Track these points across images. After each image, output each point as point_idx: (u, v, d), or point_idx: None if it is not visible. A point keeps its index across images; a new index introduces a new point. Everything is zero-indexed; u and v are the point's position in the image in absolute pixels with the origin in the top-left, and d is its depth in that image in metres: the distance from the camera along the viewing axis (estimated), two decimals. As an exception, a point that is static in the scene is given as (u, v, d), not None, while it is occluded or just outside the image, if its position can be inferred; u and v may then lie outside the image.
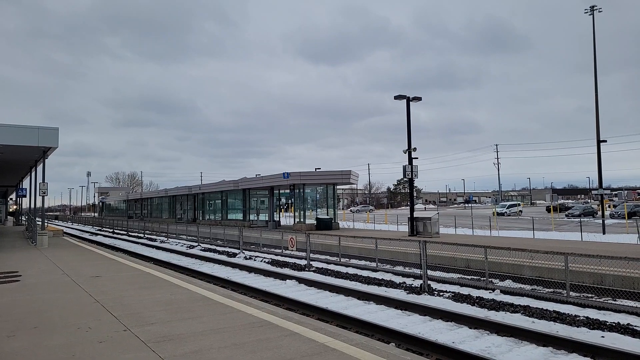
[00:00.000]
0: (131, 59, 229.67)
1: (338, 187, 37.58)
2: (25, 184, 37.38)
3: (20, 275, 11.05)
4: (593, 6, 28.94)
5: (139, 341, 5.45)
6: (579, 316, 8.70)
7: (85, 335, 5.77)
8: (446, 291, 11.36)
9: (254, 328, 6.01)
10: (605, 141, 28.37)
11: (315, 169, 34.33)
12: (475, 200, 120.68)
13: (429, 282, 11.80)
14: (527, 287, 11.83)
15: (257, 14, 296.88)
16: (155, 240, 32.18)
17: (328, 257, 18.40)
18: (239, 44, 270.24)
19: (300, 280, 13.32)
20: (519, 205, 67.37)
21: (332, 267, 16.21)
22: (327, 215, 32.81)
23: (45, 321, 6.53)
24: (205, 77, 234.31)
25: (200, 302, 7.77)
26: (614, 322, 8.19)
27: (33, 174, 25.69)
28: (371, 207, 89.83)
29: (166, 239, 32.41)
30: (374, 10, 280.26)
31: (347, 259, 17.84)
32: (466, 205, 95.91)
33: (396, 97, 24.55)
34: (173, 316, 6.72)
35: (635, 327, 7.85)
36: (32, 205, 29.10)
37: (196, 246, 25.89)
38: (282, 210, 48.45)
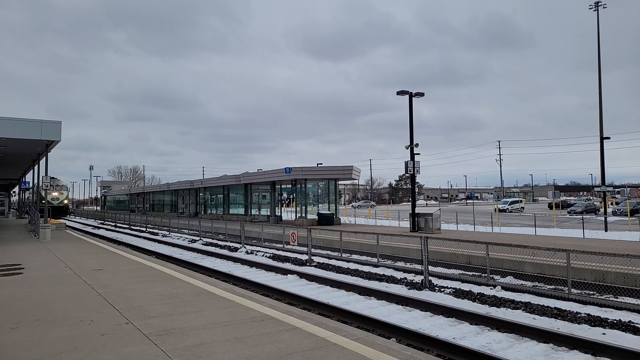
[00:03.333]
0: (135, 53, 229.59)
1: (340, 182, 37.55)
2: (28, 177, 37.51)
3: (23, 268, 11.10)
4: (597, 2, 28.71)
5: (141, 334, 5.47)
6: (580, 313, 8.70)
7: (87, 327, 5.80)
8: (447, 287, 11.36)
9: (256, 322, 6.03)
10: (608, 138, 28.17)
11: (317, 164, 34.40)
12: (477, 197, 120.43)
13: (430, 278, 11.81)
14: (529, 283, 11.82)
15: (260, 9, 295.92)
16: (157, 234, 32.26)
17: (329, 253, 18.42)
18: (242, 39, 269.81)
19: (302, 275, 13.35)
20: (521, 201, 67.22)
21: (333, 262, 16.23)
22: (329, 210, 32.83)
23: (48, 314, 6.56)
24: (208, 72, 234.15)
25: (202, 296, 7.80)
26: (615, 320, 8.18)
27: (36, 167, 25.76)
28: (373, 203, 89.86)
29: (168, 233, 32.49)
30: (376, 6, 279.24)
31: (349, 255, 17.86)
32: (468, 201, 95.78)
33: (398, 93, 24.48)
34: (175, 310, 6.74)
35: (636, 325, 7.84)
36: (35, 199, 29.19)
37: (198, 240, 25.95)
38: (284, 205, 48.52)
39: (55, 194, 56.61)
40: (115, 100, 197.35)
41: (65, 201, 61.65)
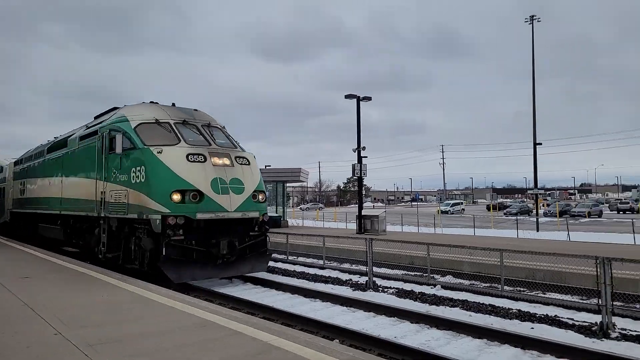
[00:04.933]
0: (74, 49, 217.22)
1: (288, 184, 37.44)
2: None
3: (-62, 277, 10.14)
4: (532, 16, 30.80)
5: (72, 345, 5.16)
6: (512, 309, 9.20)
7: (11, 340, 5.39)
8: (391, 287, 11.63)
9: (197, 328, 5.87)
10: (540, 144, 30.25)
11: (265, 166, 34.05)
12: (421, 199, 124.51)
13: (375, 278, 12.04)
14: (466, 282, 12.36)
15: (211, 9, 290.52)
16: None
17: (275, 255, 18.30)
18: (191, 38, 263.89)
19: (246, 279, 13.16)
20: (462, 203, 70.45)
21: (279, 265, 16.14)
22: (276, 213, 32.60)
23: (-34, 327, 6.03)
24: (154, 70, 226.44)
25: (140, 303, 7.49)
26: (542, 314, 8.74)
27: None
28: (321, 205, 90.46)
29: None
30: (327, 11, 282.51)
31: (295, 257, 17.84)
32: (413, 203, 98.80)
33: (347, 96, 24.83)
34: (111, 318, 6.43)
35: (561, 319, 8.41)
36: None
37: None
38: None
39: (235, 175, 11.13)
40: (50, 96, 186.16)
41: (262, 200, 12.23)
